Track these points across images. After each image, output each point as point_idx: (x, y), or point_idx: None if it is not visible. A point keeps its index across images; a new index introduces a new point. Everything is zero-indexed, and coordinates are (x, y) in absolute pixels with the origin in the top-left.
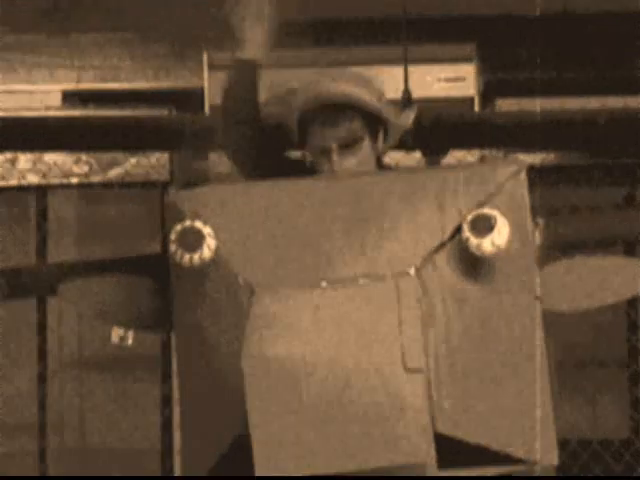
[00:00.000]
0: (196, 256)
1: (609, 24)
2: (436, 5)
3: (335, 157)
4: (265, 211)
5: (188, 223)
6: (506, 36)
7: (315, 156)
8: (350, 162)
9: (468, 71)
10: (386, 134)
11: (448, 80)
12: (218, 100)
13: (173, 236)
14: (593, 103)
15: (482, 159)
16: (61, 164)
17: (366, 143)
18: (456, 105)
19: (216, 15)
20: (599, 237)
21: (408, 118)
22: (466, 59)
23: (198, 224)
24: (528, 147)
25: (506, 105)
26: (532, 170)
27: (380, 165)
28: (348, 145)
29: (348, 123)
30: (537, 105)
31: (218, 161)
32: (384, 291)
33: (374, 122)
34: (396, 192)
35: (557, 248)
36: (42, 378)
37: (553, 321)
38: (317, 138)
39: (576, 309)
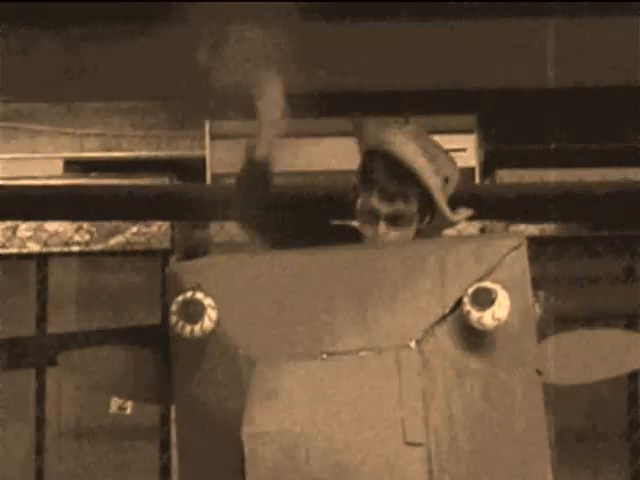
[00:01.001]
0: (197, 327)
1: (608, 97)
2: (437, 77)
3: (383, 228)
4: (266, 283)
5: (189, 294)
6: (507, 108)
7: (364, 216)
8: (395, 236)
9: (469, 142)
10: (432, 218)
11: (449, 151)
12: (220, 169)
13: (174, 307)
14: (593, 175)
15: (482, 230)
16: (62, 232)
17: (414, 224)
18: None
19: (218, 85)
20: (600, 310)
21: (458, 216)
22: (467, 130)
23: (199, 295)
24: (528, 218)
25: (506, 176)
26: (532, 241)
27: None
28: (398, 219)
29: (406, 197)
30: (538, 177)
31: (220, 230)
32: (385, 364)
33: (427, 203)
34: (397, 265)
35: (558, 321)
36: (40, 448)
37: (554, 393)
38: (371, 204)
39: (577, 382)
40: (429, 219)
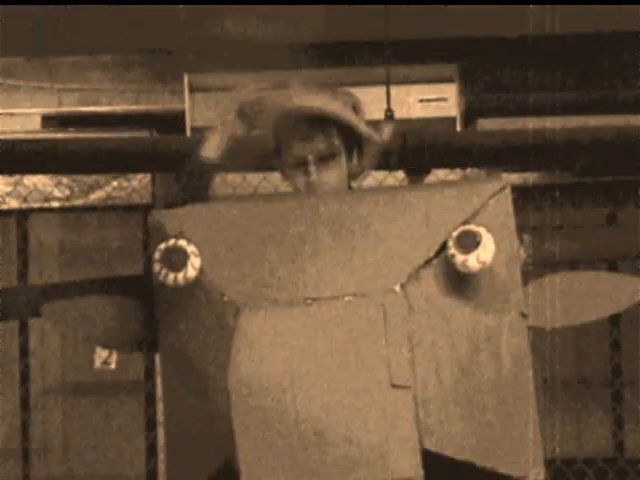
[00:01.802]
0: (180, 275)
1: (590, 45)
2: (418, 27)
3: (312, 170)
4: (250, 229)
5: (172, 242)
6: (488, 57)
7: (291, 170)
8: (327, 176)
9: (450, 91)
10: (361, 151)
11: (430, 100)
12: (200, 122)
13: (157, 255)
14: (574, 122)
15: (465, 178)
16: (42, 187)
17: (342, 158)
18: (438, 125)
19: (196, 38)
20: (583, 254)
21: (384, 134)
22: (448, 80)
23: (182, 243)
24: (510, 167)
25: (487, 125)
26: (514, 190)
27: (349, 185)
28: (325, 158)
29: (324, 136)
30: (518, 125)
31: None
32: (370, 308)
33: (350, 137)
34: (381, 210)
35: (542, 264)
36: (25, 403)
37: (536, 339)
38: (293, 151)
39: (562, 325)
40: (357, 158)
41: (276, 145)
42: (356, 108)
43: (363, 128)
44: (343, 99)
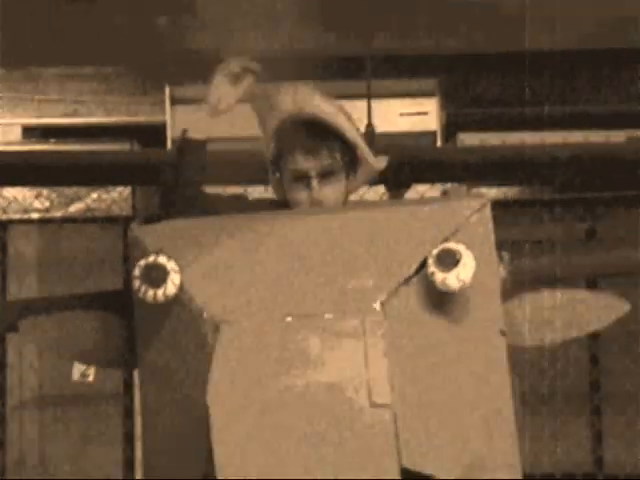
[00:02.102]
0: (160, 292)
1: (570, 61)
2: (400, 41)
3: (315, 184)
4: (230, 246)
5: (152, 258)
6: (468, 72)
7: (292, 183)
8: (328, 191)
9: (430, 105)
10: (356, 169)
11: (411, 114)
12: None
13: (137, 272)
14: (554, 138)
15: (445, 193)
16: (21, 199)
17: (343, 175)
18: (418, 139)
19: (178, 50)
20: (562, 270)
21: (381, 163)
22: (429, 94)
23: (162, 259)
24: (490, 181)
25: (468, 139)
26: (493, 205)
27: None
28: (327, 174)
29: (328, 151)
30: (499, 140)
31: None
32: (349, 326)
33: (351, 157)
34: (361, 227)
35: (522, 281)
36: (1, 416)
37: (515, 355)
38: (297, 164)
39: (541, 343)
40: (354, 175)
41: (277, 153)
42: (358, 130)
43: (366, 150)
44: (348, 117)
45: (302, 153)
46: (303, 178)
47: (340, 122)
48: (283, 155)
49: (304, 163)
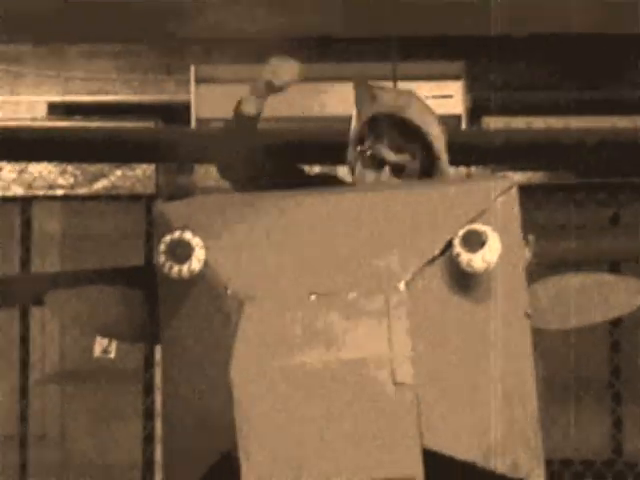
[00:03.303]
0: (185, 268)
1: (599, 45)
2: (426, 24)
3: (385, 174)
4: (255, 223)
5: (177, 234)
6: (494, 55)
7: (364, 164)
8: (395, 182)
9: (456, 89)
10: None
11: (435, 97)
12: (205, 113)
13: (162, 247)
14: (580, 122)
15: (469, 177)
16: (46, 175)
17: (415, 178)
18: (444, 122)
19: (203, 28)
20: (587, 255)
21: (458, 174)
22: (454, 77)
23: (187, 235)
24: (514, 166)
25: (493, 123)
26: (519, 189)
27: None
28: (399, 171)
29: (411, 152)
30: (524, 124)
31: (204, 175)
32: (374, 305)
33: (430, 163)
34: (387, 206)
35: (547, 265)
36: (24, 390)
37: (538, 340)
38: (379, 152)
39: (565, 327)
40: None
41: (359, 133)
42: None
43: (447, 163)
44: (442, 127)
45: (386, 145)
46: (379, 166)
47: (431, 131)
48: (367, 141)
49: (385, 153)
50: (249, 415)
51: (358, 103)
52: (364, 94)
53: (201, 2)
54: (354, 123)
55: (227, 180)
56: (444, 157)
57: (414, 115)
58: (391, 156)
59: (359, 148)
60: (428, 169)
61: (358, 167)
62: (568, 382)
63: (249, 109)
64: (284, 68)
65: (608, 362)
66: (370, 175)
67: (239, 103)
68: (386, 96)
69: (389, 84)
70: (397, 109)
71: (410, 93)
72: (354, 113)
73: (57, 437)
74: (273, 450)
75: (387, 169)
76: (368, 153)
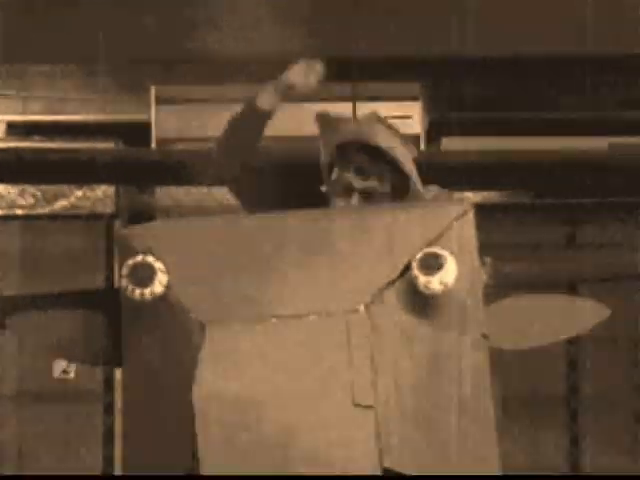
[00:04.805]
0: (147, 291)
1: (553, 67)
2: (383, 45)
3: (355, 200)
4: (217, 247)
5: (140, 258)
6: (451, 76)
7: (336, 191)
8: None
9: (414, 110)
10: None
11: (395, 118)
12: (166, 134)
13: (124, 271)
14: (536, 143)
15: (436, 197)
16: (6, 195)
17: (387, 201)
18: (410, 141)
19: (164, 49)
20: (543, 276)
21: (429, 195)
22: (412, 98)
23: (150, 259)
24: (472, 186)
25: (452, 143)
26: (475, 209)
27: None
28: (370, 196)
29: (378, 176)
30: (482, 144)
31: (164, 195)
32: (334, 328)
33: (402, 186)
34: (347, 229)
35: (503, 287)
36: None
37: (495, 358)
38: (346, 179)
39: (522, 347)
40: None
41: (329, 162)
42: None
43: (419, 182)
44: (408, 148)
45: (353, 172)
46: (348, 191)
47: (398, 154)
48: (335, 169)
49: (352, 181)
50: (211, 438)
51: (322, 135)
52: (327, 126)
53: (162, 22)
54: (322, 155)
55: (227, 180)
56: (415, 176)
57: (378, 139)
58: (358, 183)
59: (332, 175)
60: (400, 189)
61: (330, 195)
62: (525, 399)
63: (263, 103)
64: (311, 69)
65: (565, 379)
66: (340, 203)
67: (250, 98)
68: (349, 126)
69: (348, 105)
70: (361, 136)
71: (372, 117)
72: (320, 145)
73: (14, 459)
74: (234, 471)
75: (356, 196)
76: (335, 180)
